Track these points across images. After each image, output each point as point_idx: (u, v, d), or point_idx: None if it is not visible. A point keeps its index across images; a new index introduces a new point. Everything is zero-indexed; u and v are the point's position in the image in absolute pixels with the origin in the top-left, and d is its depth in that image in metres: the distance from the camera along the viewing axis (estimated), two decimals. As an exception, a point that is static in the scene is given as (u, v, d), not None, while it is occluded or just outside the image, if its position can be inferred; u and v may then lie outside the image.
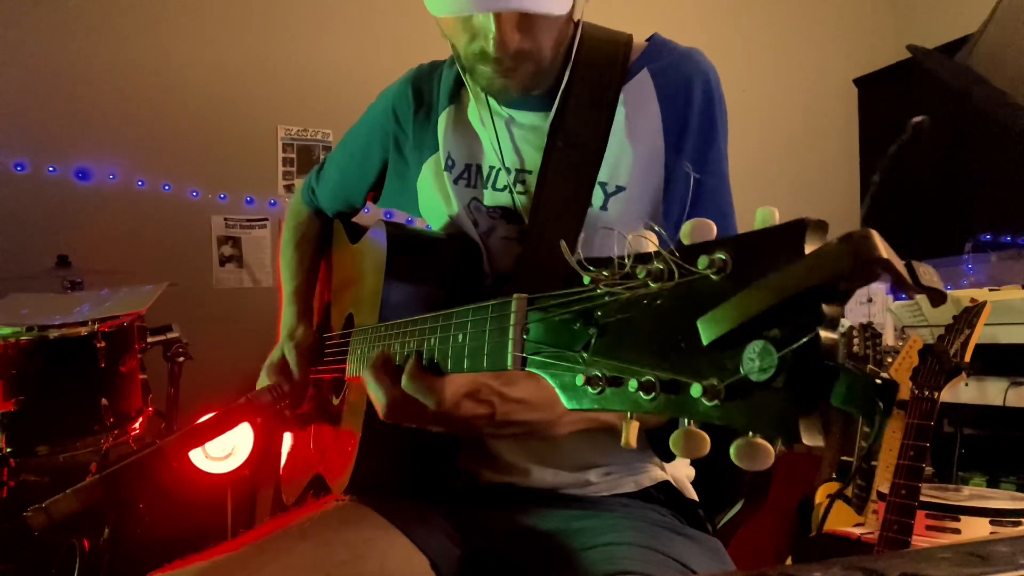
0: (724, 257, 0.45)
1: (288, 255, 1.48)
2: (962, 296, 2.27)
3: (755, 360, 0.41)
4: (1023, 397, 2.48)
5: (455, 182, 1.18)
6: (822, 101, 4.59)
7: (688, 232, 0.49)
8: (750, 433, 0.43)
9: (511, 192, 1.15)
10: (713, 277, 0.46)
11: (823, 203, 4.49)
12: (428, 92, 1.25)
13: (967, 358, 1.85)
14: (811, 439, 0.38)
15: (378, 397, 0.91)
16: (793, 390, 0.40)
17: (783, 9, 4.57)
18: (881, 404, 0.37)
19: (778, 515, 2.56)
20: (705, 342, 0.45)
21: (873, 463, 2.25)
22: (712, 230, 0.49)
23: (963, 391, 2.57)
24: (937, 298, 0.38)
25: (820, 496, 2.40)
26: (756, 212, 0.45)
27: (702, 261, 0.46)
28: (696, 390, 0.45)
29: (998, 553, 0.43)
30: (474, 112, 1.19)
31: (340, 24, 3.67)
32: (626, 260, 0.52)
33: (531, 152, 1.15)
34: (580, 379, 0.55)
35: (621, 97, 1.11)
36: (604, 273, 0.54)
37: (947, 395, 1.83)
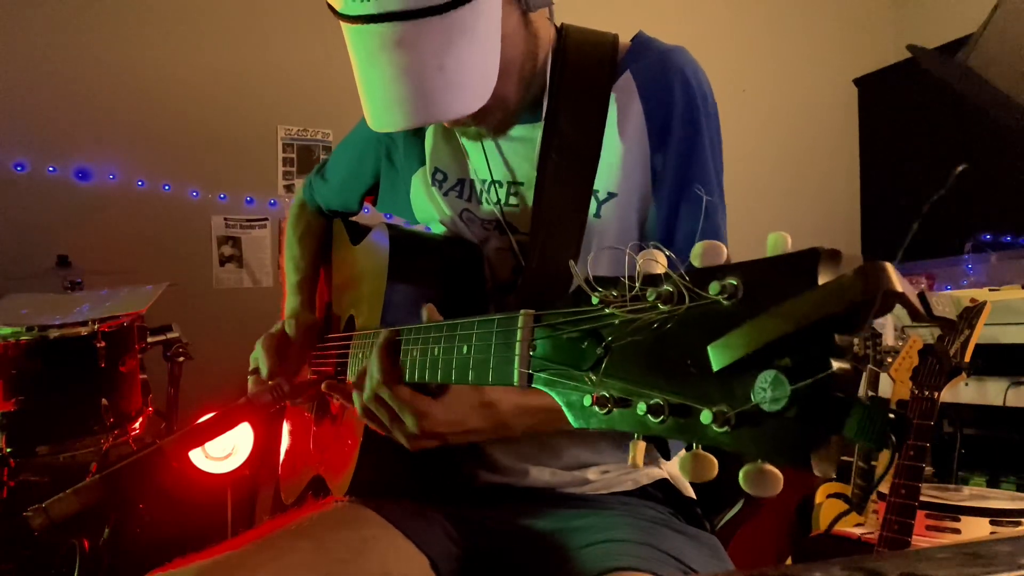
0: (736, 283, 0.45)
1: (291, 249, 1.49)
2: (962, 296, 2.27)
3: (767, 390, 0.41)
4: (1023, 397, 2.48)
5: (446, 194, 1.18)
6: (822, 101, 4.57)
7: (698, 254, 0.49)
8: (759, 460, 0.43)
9: (501, 204, 1.14)
10: (724, 303, 0.46)
11: (823, 204, 4.49)
12: None
13: (967, 358, 1.84)
14: (823, 471, 0.38)
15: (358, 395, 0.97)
16: (806, 422, 0.40)
17: (783, 9, 4.56)
18: (894, 438, 0.37)
19: (778, 515, 2.56)
20: (715, 368, 0.45)
21: (873, 463, 2.25)
22: (722, 253, 0.48)
23: (963, 391, 2.57)
24: (948, 328, 0.38)
25: (820, 496, 2.41)
26: (768, 238, 0.44)
27: (713, 287, 0.46)
28: (706, 416, 0.45)
29: (998, 553, 0.42)
30: None
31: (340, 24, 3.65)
32: (635, 281, 0.52)
33: (522, 164, 1.13)
34: (588, 399, 0.55)
35: (612, 100, 1.09)
36: (613, 293, 0.54)
37: (947, 395, 1.82)
